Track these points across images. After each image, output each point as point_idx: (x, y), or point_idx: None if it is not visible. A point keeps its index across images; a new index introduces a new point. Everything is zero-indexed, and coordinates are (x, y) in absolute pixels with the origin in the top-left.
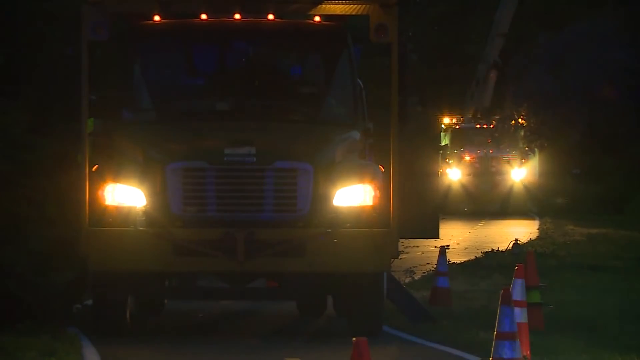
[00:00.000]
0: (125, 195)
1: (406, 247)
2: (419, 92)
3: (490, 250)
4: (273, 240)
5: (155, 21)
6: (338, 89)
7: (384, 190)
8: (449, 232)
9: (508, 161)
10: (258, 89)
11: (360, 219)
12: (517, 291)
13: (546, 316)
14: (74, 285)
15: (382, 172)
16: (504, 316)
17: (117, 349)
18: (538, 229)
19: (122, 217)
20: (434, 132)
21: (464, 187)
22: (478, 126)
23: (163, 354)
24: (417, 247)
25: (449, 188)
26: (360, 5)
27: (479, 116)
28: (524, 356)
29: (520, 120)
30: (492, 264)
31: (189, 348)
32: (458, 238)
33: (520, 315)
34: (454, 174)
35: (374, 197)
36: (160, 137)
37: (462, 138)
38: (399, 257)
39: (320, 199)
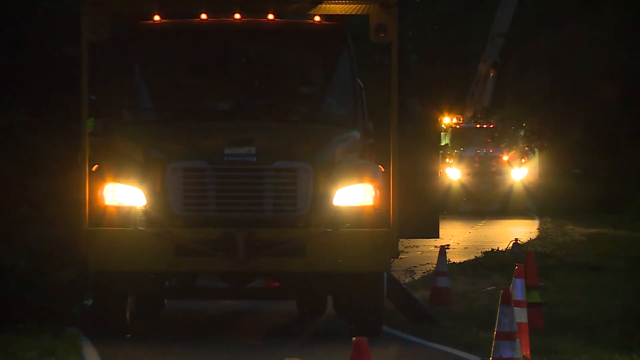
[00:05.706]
0: (125, 195)
1: (406, 247)
2: (419, 92)
3: (490, 250)
4: (273, 240)
5: (155, 21)
6: (338, 89)
7: (384, 190)
8: (449, 232)
9: (508, 161)
10: (258, 89)
11: (360, 218)
12: (517, 291)
13: (546, 316)
14: (74, 285)
15: (382, 172)
16: (504, 316)
17: (117, 349)
18: (538, 229)
19: (122, 217)
20: (434, 132)
21: (463, 186)
22: (478, 126)
23: (163, 354)
24: (417, 247)
25: (448, 188)
26: (360, 5)
27: (479, 116)
28: (524, 356)
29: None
30: (492, 264)
31: (188, 348)
32: (458, 238)
33: (520, 315)
34: (454, 173)
35: (374, 197)
36: (160, 137)
37: (462, 138)
38: (399, 257)
39: (320, 199)
